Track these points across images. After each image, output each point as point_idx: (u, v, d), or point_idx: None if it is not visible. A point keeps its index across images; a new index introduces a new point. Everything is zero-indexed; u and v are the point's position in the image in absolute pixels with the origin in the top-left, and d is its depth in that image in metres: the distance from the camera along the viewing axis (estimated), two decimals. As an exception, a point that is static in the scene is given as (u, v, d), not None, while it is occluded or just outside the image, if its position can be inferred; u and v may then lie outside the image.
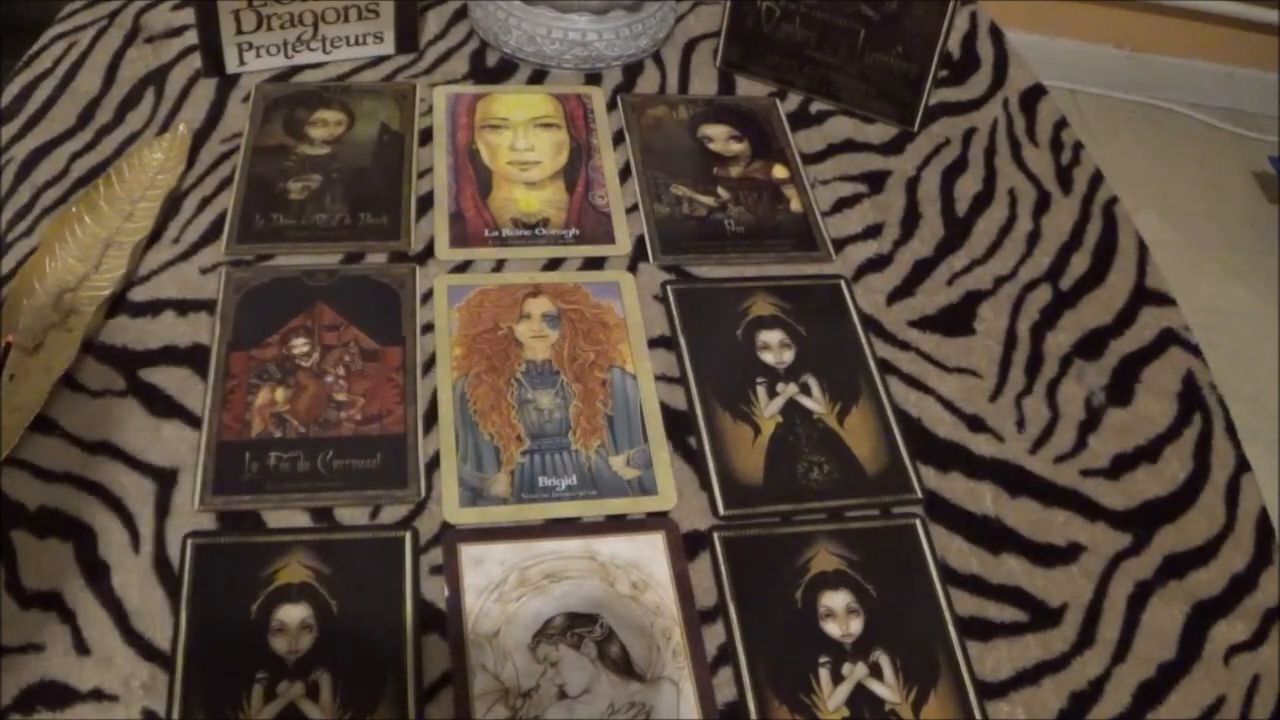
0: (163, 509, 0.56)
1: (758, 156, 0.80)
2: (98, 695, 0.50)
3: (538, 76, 0.85)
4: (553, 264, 0.71)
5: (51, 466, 0.57)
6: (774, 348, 0.66)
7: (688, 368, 0.65)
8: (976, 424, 0.65)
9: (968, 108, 0.88)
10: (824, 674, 0.53)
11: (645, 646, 0.53)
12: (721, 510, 0.58)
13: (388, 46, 0.85)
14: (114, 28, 0.84)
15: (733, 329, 0.67)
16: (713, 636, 0.54)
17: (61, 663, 0.50)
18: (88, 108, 0.78)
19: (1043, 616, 0.57)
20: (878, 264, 0.74)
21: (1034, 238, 0.77)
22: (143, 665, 0.51)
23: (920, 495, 0.60)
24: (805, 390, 0.64)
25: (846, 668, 0.53)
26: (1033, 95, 0.90)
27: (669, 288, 0.69)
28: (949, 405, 0.66)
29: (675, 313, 0.68)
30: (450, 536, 0.56)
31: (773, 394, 0.64)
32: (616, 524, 0.58)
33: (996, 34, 0.96)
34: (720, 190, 0.77)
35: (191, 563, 0.54)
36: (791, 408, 0.63)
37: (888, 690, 0.53)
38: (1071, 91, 2.27)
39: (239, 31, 0.80)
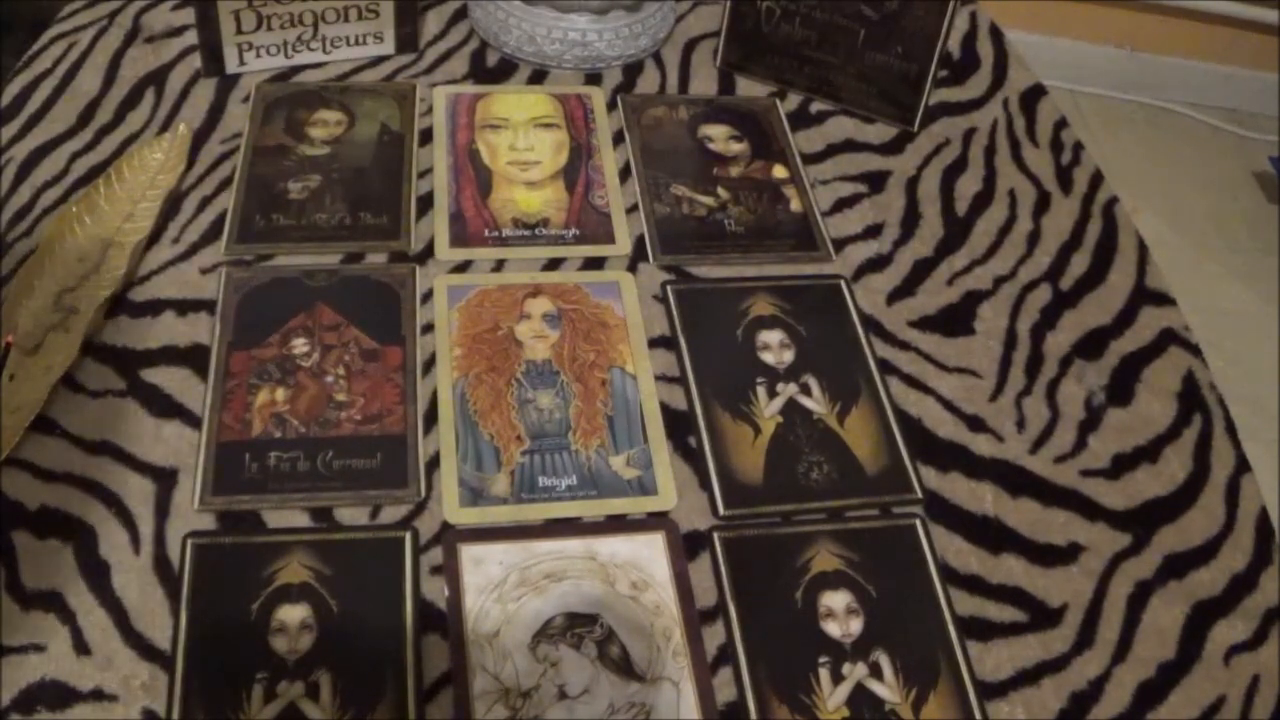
0: (163, 509, 0.56)
1: (758, 156, 0.80)
2: (98, 695, 0.50)
3: (538, 76, 0.85)
4: (553, 264, 0.71)
5: (51, 466, 0.57)
6: (774, 348, 0.66)
7: (688, 368, 0.65)
8: (976, 424, 0.65)
9: (968, 108, 0.88)
10: (824, 674, 0.53)
11: (645, 646, 0.53)
12: (722, 510, 0.58)
13: (388, 46, 0.85)
14: (114, 28, 0.84)
15: (733, 329, 0.67)
16: (713, 636, 0.54)
17: (61, 663, 0.50)
18: (88, 108, 0.78)
19: (1043, 616, 0.57)
20: (878, 264, 0.74)
21: (1034, 238, 0.77)
22: (143, 665, 0.51)
23: (920, 495, 0.60)
24: (805, 390, 0.64)
25: (846, 668, 0.53)
26: (1033, 95, 0.90)
27: (669, 288, 0.69)
28: (949, 405, 0.66)
29: (675, 313, 0.68)
30: (450, 536, 0.56)
31: (773, 394, 0.64)
32: (616, 524, 0.58)
33: (996, 34, 0.96)
34: (720, 190, 0.77)
35: (191, 563, 0.54)
36: (791, 408, 0.63)
37: (888, 690, 0.53)
38: (1071, 91, 2.27)
39: (239, 31, 0.80)
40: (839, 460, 0.61)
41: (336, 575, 0.54)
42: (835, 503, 0.60)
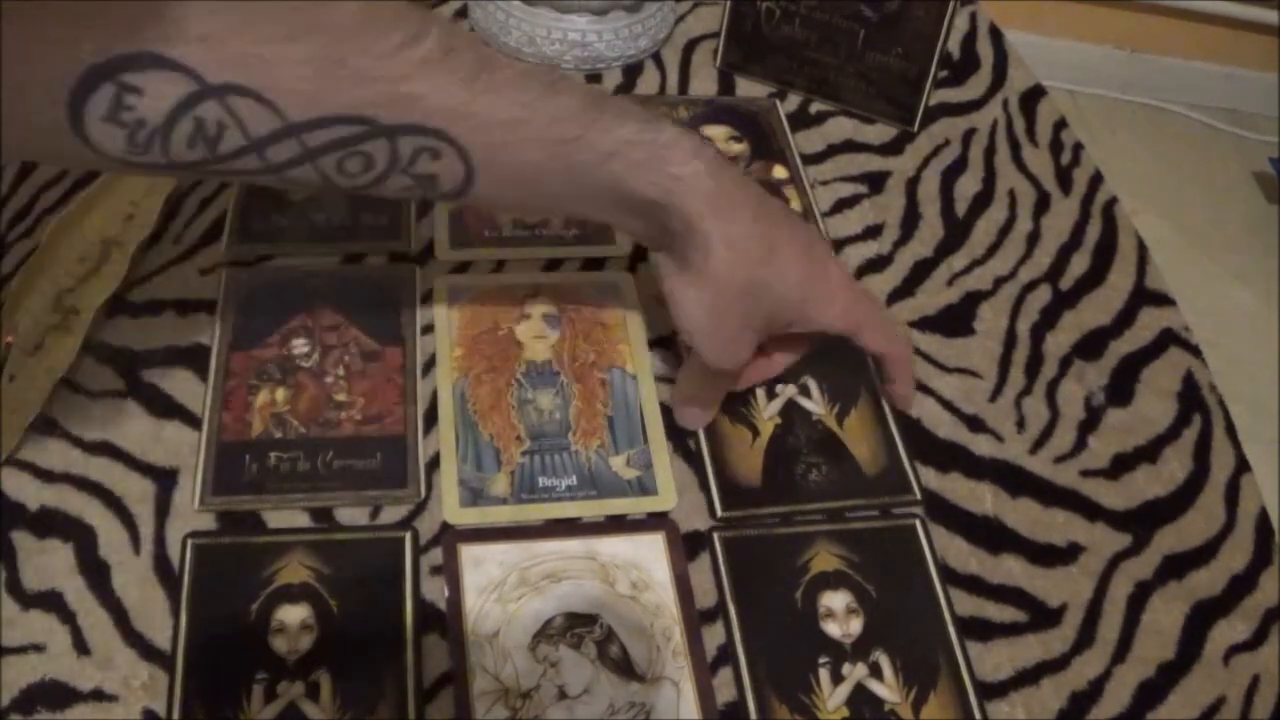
0: (163, 509, 0.56)
1: (758, 157, 0.80)
2: (98, 695, 0.50)
3: (538, 77, 0.85)
4: (553, 264, 0.71)
5: (51, 466, 0.57)
6: None
7: None
8: (976, 424, 0.65)
9: (968, 108, 0.88)
10: (824, 674, 0.53)
11: (645, 646, 0.53)
12: (720, 513, 0.58)
13: (388, 47, 0.85)
14: (114, 28, 0.84)
15: None
16: (713, 636, 0.54)
17: (61, 663, 0.50)
18: (88, 108, 0.78)
19: (1043, 616, 0.57)
20: (878, 264, 0.74)
21: (1034, 238, 0.77)
22: (143, 665, 0.51)
23: (919, 496, 0.60)
24: (804, 392, 0.64)
25: (846, 668, 0.53)
26: (1032, 96, 0.90)
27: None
28: (949, 405, 0.66)
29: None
30: (450, 536, 0.56)
31: (771, 395, 0.64)
32: (617, 524, 0.58)
33: (996, 34, 0.96)
34: (720, 190, 0.77)
35: (191, 563, 0.54)
36: (791, 409, 0.63)
37: (888, 690, 0.53)
38: (1071, 92, 2.27)
39: (239, 32, 0.79)
40: (837, 462, 0.61)
41: (336, 575, 0.54)
42: (833, 504, 0.60)
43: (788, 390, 0.64)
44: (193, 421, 0.60)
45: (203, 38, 0.40)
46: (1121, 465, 0.64)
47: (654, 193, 0.51)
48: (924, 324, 0.70)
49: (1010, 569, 0.59)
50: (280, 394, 0.61)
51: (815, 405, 0.64)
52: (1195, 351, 0.71)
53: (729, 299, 0.53)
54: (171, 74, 0.40)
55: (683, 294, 0.54)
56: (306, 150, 0.45)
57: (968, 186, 0.81)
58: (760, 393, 0.64)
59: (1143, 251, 0.78)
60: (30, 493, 0.56)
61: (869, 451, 0.62)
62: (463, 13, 0.90)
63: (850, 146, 0.83)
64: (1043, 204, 0.80)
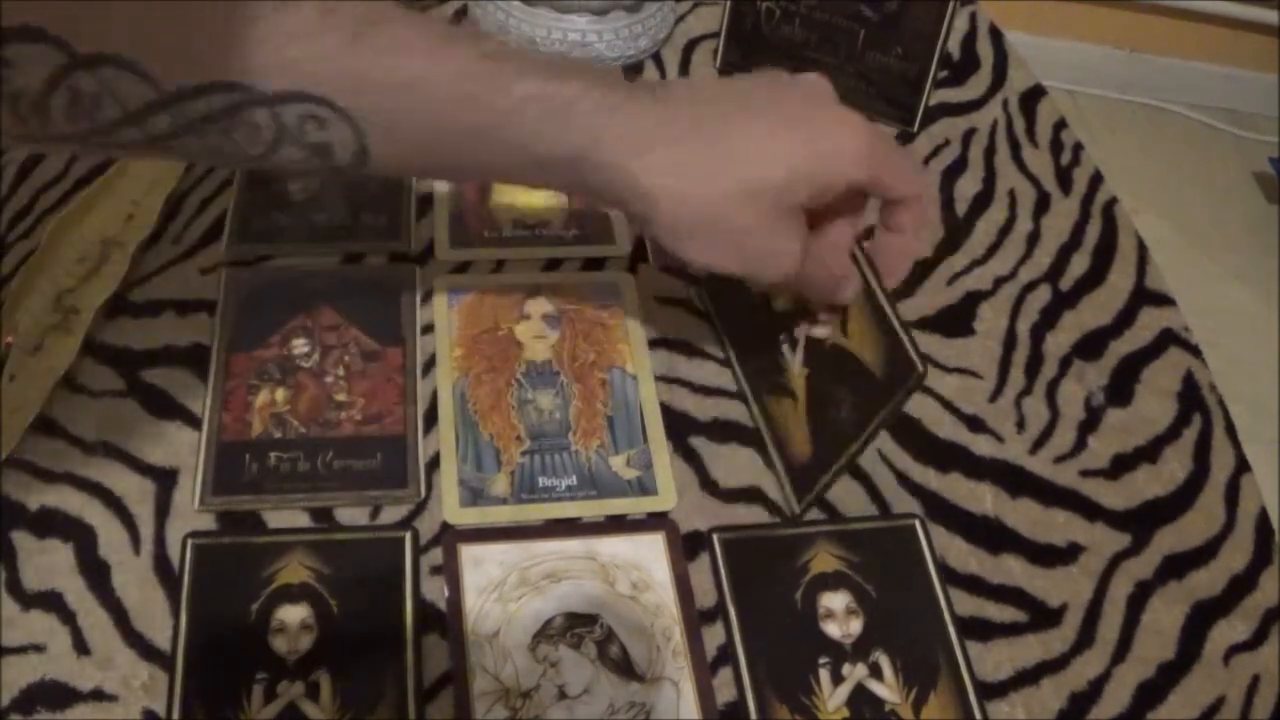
0: (163, 509, 0.56)
1: (758, 157, 0.80)
2: (98, 695, 0.50)
3: (538, 77, 0.85)
4: (553, 264, 0.71)
5: (51, 466, 0.57)
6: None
7: (740, 376, 0.64)
8: (976, 424, 0.65)
9: (967, 108, 0.88)
10: (824, 674, 0.53)
11: (645, 646, 0.53)
12: (796, 508, 0.58)
13: (388, 47, 0.85)
14: (114, 28, 0.84)
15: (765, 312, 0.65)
16: (713, 636, 0.54)
17: (61, 663, 0.51)
18: (88, 108, 0.78)
19: (1042, 616, 0.57)
20: (878, 264, 0.74)
21: (1034, 238, 0.77)
22: (143, 665, 0.51)
23: (921, 368, 0.54)
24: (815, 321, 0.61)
25: (846, 668, 0.53)
26: (1032, 96, 0.90)
27: (700, 293, 0.68)
28: (949, 405, 0.66)
29: (716, 319, 0.67)
30: (450, 536, 0.56)
31: (794, 347, 0.61)
32: (617, 524, 0.58)
33: (996, 35, 0.96)
34: (720, 190, 0.77)
35: (191, 563, 0.54)
36: (811, 348, 0.60)
37: (888, 690, 0.53)
38: (1071, 92, 2.27)
39: (239, 32, 0.79)
40: (857, 382, 0.57)
41: (336, 575, 0.54)
42: (863, 435, 0.56)
43: (802, 330, 0.61)
44: (193, 421, 0.60)
45: (71, 7, 0.39)
46: (1121, 465, 0.64)
47: (564, 149, 0.47)
48: (924, 324, 0.70)
49: (1010, 569, 0.59)
50: (280, 394, 0.61)
51: (824, 329, 0.60)
52: (1195, 351, 0.71)
53: (712, 226, 0.49)
54: (42, 46, 0.39)
55: (676, 248, 0.50)
56: (187, 121, 0.43)
57: (968, 186, 0.81)
58: (785, 350, 0.61)
59: (1143, 251, 0.78)
60: (30, 493, 0.56)
61: (872, 351, 0.57)
62: (462, 12, 0.90)
63: (850, 146, 0.83)
64: (1043, 204, 0.80)
